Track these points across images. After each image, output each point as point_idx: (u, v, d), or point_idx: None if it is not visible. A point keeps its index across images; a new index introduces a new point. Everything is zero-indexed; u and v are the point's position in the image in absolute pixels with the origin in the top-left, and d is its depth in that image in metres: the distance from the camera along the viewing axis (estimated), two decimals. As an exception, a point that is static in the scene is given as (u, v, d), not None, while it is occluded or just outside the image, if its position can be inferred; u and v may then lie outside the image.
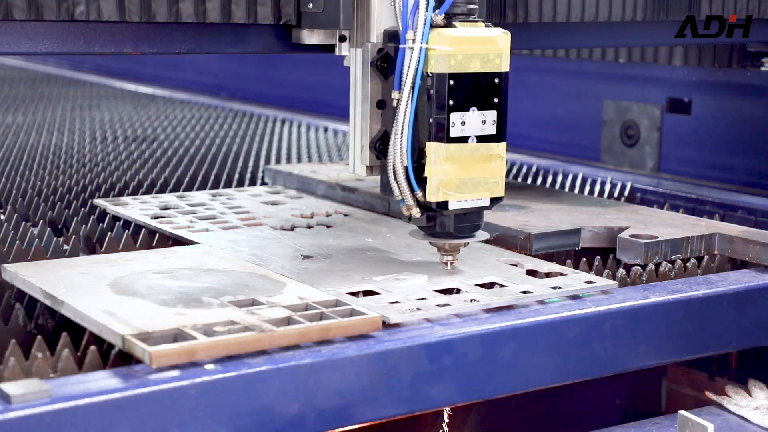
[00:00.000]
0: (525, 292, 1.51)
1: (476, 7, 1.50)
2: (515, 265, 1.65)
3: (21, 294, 1.53)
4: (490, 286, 1.55)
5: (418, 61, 1.45)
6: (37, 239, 1.83)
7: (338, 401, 1.30)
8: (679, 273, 1.73)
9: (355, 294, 1.49)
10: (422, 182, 1.49)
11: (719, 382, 1.98)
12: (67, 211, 2.11)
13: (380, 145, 1.54)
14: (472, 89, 1.48)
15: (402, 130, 1.47)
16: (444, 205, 1.50)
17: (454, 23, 1.47)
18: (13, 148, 2.97)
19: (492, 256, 1.70)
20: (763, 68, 2.71)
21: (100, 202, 2.11)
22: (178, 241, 1.83)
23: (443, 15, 1.46)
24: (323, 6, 1.56)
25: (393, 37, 1.50)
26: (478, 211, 1.55)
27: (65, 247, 1.81)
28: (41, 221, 1.98)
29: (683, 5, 2.02)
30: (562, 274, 1.60)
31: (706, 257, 1.80)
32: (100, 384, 1.18)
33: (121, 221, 1.98)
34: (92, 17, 1.47)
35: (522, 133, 3.18)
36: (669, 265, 1.73)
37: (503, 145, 1.52)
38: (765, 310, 1.66)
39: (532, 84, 3.23)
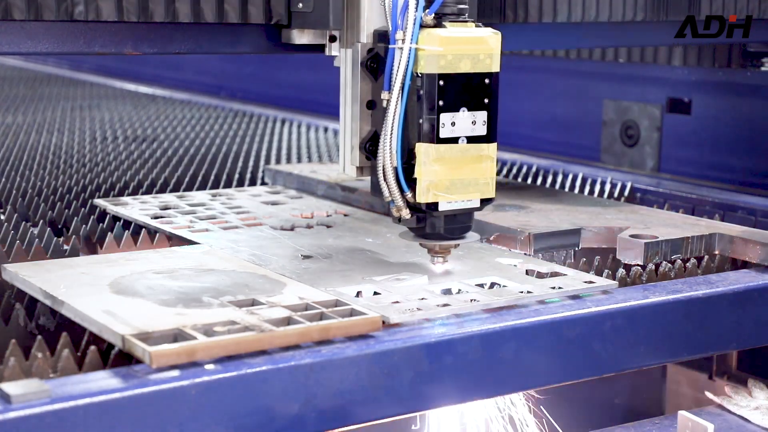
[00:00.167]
0: (525, 292, 1.51)
1: (466, 7, 1.50)
2: (515, 265, 1.65)
3: (21, 294, 1.53)
4: (490, 286, 1.55)
5: (408, 62, 1.44)
6: (37, 239, 1.83)
7: (338, 401, 1.30)
8: (679, 273, 1.73)
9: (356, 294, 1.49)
10: (412, 183, 1.49)
11: (719, 382, 1.98)
12: (67, 211, 2.11)
13: (370, 146, 1.53)
14: (462, 90, 1.47)
15: (392, 130, 1.47)
16: (434, 206, 1.49)
17: (444, 23, 1.46)
18: (13, 148, 2.97)
19: (492, 256, 1.70)
20: (763, 68, 2.71)
21: (100, 202, 2.11)
22: (178, 241, 1.83)
23: (433, 15, 1.45)
24: (313, 6, 1.56)
25: (383, 37, 1.49)
26: (468, 212, 1.55)
27: (65, 247, 1.81)
28: (41, 221, 1.98)
29: (683, 5, 2.02)
30: (562, 274, 1.60)
31: (706, 257, 1.80)
32: (100, 384, 1.18)
33: (121, 221, 1.98)
34: (91, 17, 1.48)
35: (522, 133, 3.18)
36: (669, 265, 1.73)
37: (494, 145, 1.52)
38: (765, 310, 1.66)
39: (532, 84, 3.23)
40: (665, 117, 2.89)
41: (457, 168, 1.49)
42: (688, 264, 1.75)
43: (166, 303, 1.38)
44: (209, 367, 1.23)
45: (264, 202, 2.13)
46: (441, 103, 1.45)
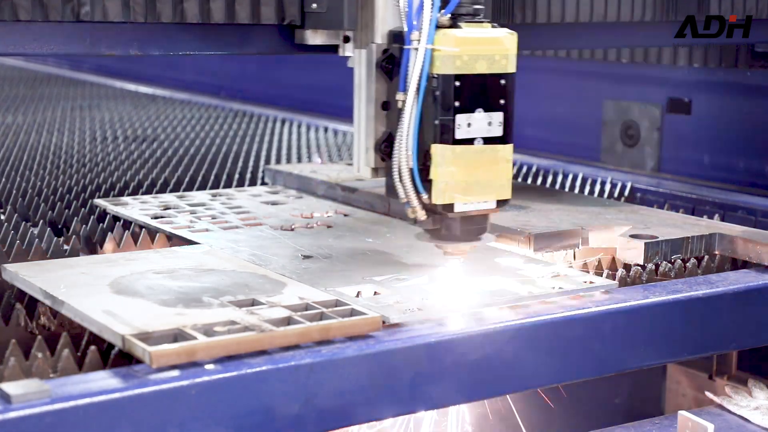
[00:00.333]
0: (525, 293, 1.51)
1: (482, 7, 1.49)
2: (515, 266, 1.64)
3: (21, 294, 1.53)
4: (490, 286, 1.55)
5: (423, 62, 1.44)
6: (37, 239, 1.83)
7: (338, 401, 1.30)
8: (679, 273, 1.73)
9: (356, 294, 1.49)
10: (428, 184, 1.48)
11: (719, 382, 1.98)
12: (67, 211, 2.11)
13: (385, 147, 1.52)
14: (478, 90, 1.46)
15: (407, 131, 1.46)
16: (450, 207, 1.49)
17: (459, 24, 1.46)
18: (13, 148, 2.97)
19: (492, 256, 1.70)
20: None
21: (100, 202, 2.11)
22: (178, 241, 1.83)
23: (449, 15, 1.44)
24: (327, 6, 1.56)
25: (398, 37, 1.49)
26: (484, 214, 1.54)
27: (65, 247, 1.81)
28: (41, 221, 1.98)
29: (692, 5, 2.01)
30: (562, 274, 1.60)
31: (706, 257, 1.80)
32: (100, 384, 1.18)
33: (121, 221, 1.98)
34: (97, 18, 1.47)
35: (522, 133, 3.17)
36: (669, 265, 1.73)
37: (509, 147, 1.51)
38: (765, 310, 1.66)
39: (532, 84, 3.23)
40: (665, 117, 2.89)
41: (473, 169, 1.48)
42: (688, 264, 1.75)
43: (166, 303, 1.38)
44: (209, 367, 1.23)
45: (264, 202, 2.13)
46: (457, 103, 1.44)
